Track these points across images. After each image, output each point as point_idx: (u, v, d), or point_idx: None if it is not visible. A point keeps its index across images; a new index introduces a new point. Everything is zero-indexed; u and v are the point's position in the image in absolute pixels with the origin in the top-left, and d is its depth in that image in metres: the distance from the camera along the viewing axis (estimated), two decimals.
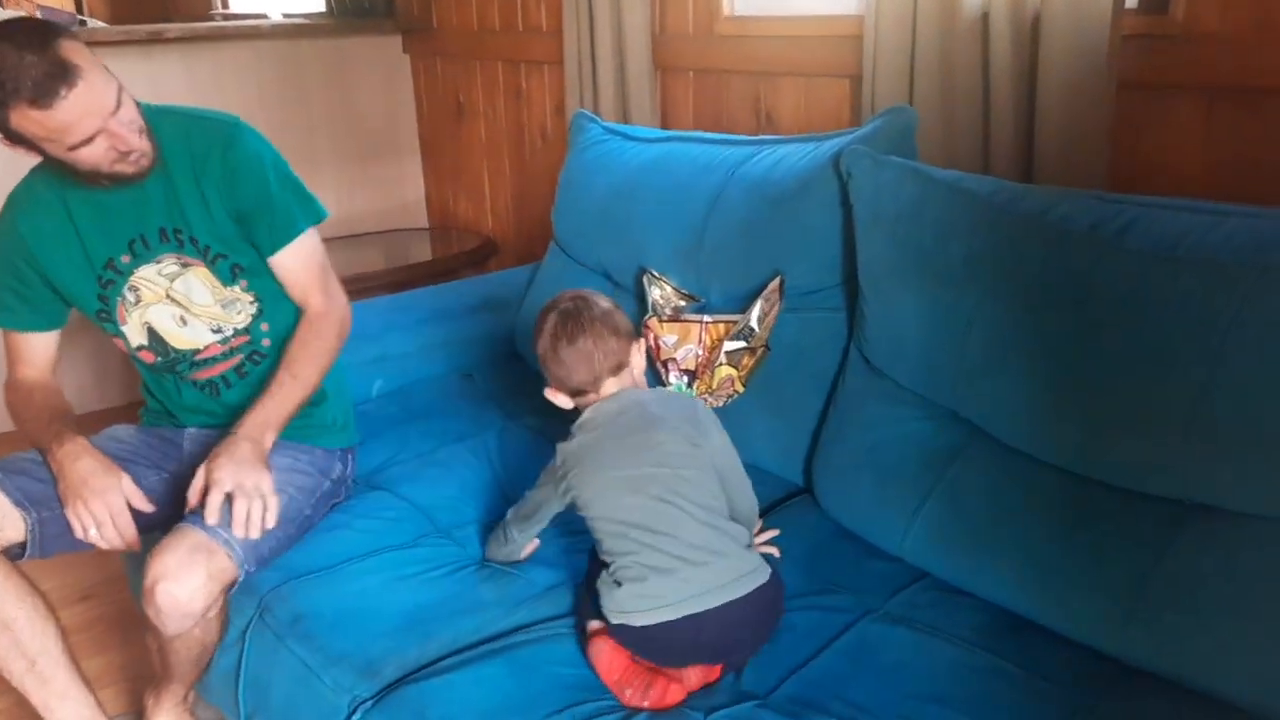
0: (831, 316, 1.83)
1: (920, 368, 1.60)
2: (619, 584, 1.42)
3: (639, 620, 1.40)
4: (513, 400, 2.29)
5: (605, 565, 1.46)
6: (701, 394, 1.88)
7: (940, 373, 1.57)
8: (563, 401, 1.56)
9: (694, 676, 1.42)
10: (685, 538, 1.40)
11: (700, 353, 1.92)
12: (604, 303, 1.55)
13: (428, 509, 1.85)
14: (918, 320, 1.59)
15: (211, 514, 1.52)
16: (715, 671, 1.43)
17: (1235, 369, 1.24)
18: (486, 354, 2.49)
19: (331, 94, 3.61)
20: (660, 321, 1.94)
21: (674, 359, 1.94)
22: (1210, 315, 1.26)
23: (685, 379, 1.92)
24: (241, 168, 1.68)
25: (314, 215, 1.78)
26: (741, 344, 1.86)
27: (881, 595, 1.54)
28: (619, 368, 1.52)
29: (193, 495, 1.57)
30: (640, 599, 1.40)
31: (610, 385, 1.52)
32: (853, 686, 1.37)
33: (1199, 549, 1.29)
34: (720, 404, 1.87)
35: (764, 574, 1.43)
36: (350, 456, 1.93)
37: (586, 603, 1.51)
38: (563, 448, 1.51)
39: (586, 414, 1.52)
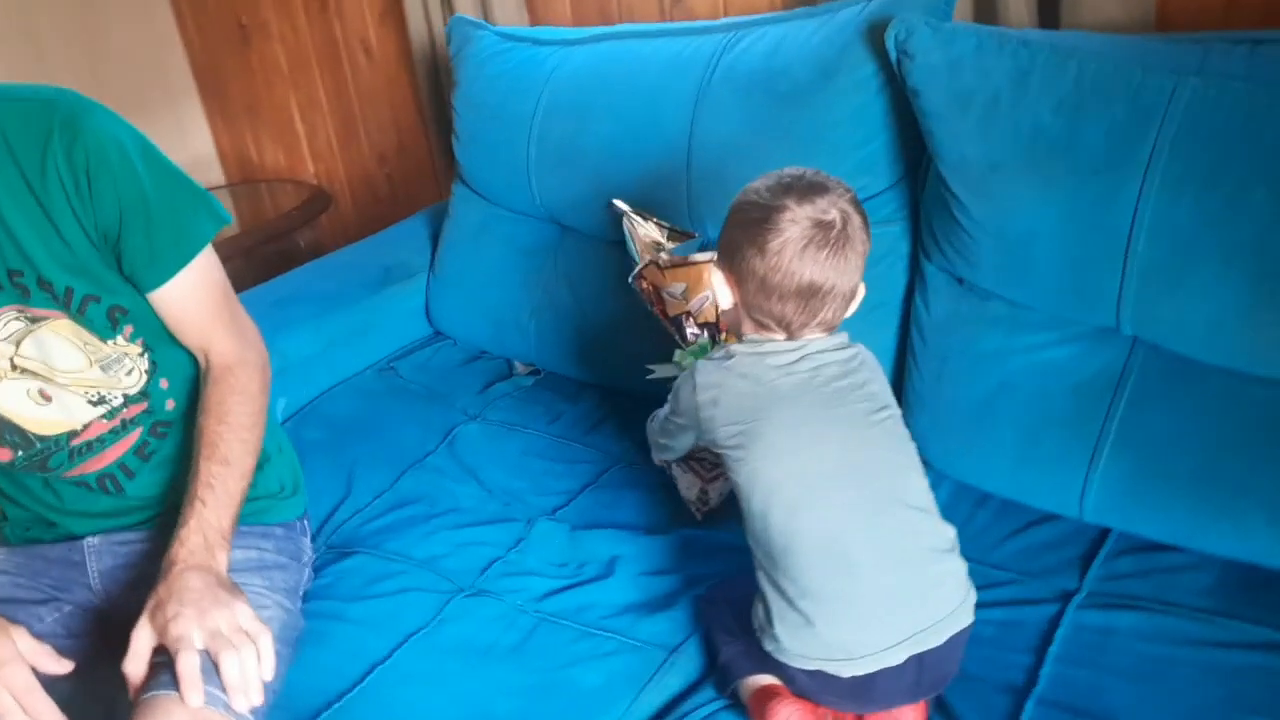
0: (883, 231, 1.48)
1: (1061, 280, 1.29)
2: (810, 622, 1.05)
3: (851, 670, 1.05)
4: (458, 390, 1.84)
5: (769, 590, 1.09)
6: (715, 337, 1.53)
7: (1095, 283, 1.26)
8: (726, 299, 1.16)
9: (908, 717, 1.09)
10: (910, 553, 1.06)
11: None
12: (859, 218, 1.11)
13: (430, 562, 1.41)
14: (1054, 222, 1.26)
15: (192, 689, 1.03)
16: (923, 707, 1.11)
17: None
18: (403, 338, 2.01)
19: (69, 33, 2.84)
20: (661, 269, 1.53)
21: (688, 312, 1.54)
22: None
23: (704, 334, 1.53)
24: (96, 163, 1.13)
25: (211, 220, 1.25)
26: None
27: (1071, 573, 1.25)
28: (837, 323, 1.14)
29: (133, 670, 1.07)
30: (855, 643, 1.05)
31: (812, 332, 1.13)
32: (1112, 703, 1.08)
33: None
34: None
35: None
36: (308, 522, 1.45)
37: (737, 654, 1.15)
38: (722, 376, 1.14)
39: (778, 350, 1.13)
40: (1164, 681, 1.10)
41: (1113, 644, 1.15)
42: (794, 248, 1.06)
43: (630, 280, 1.53)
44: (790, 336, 1.12)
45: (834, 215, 1.07)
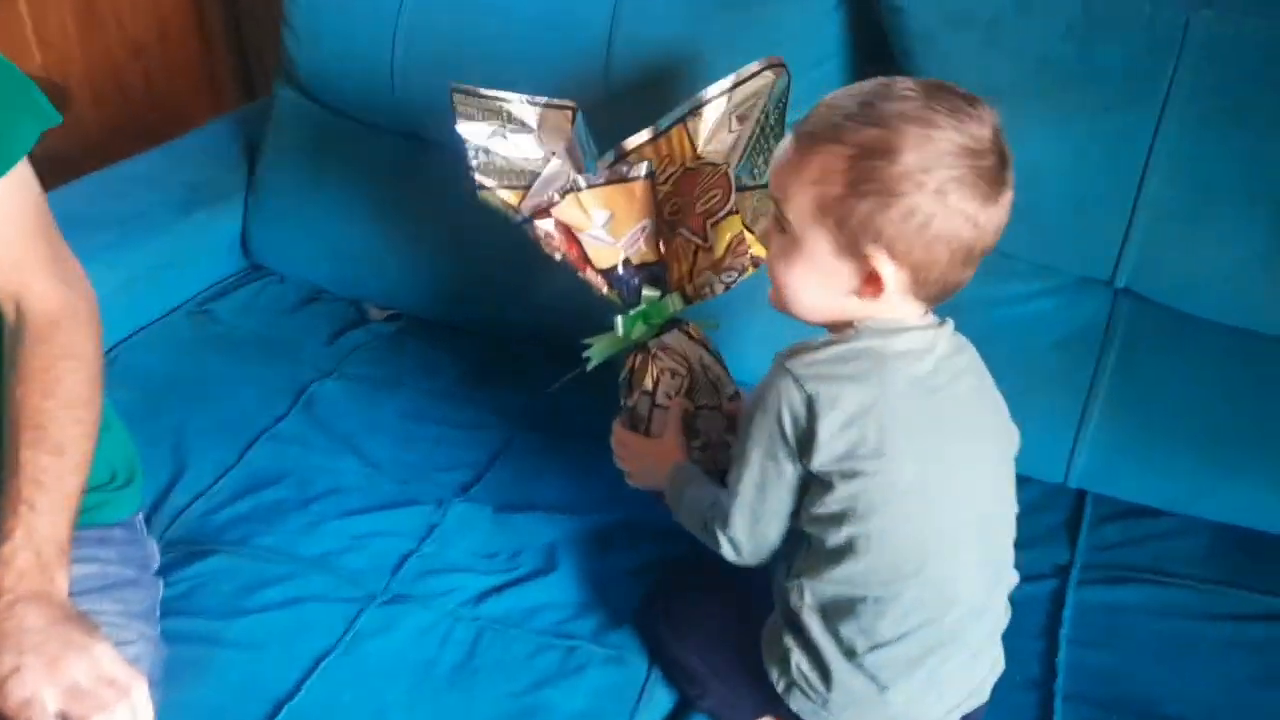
0: None
1: (1062, 224, 1.18)
2: (882, 688, 0.87)
3: None
4: (299, 340, 1.52)
5: (825, 641, 0.88)
6: (693, 296, 1.10)
7: (1099, 228, 1.16)
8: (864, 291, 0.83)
9: None
10: (990, 602, 0.91)
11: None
12: None
13: (322, 561, 1.14)
14: (1060, 159, 1.15)
15: None
16: None
17: None
18: (214, 273, 1.65)
19: None
20: (577, 194, 1.03)
21: (625, 260, 1.07)
22: None
23: (654, 288, 1.08)
24: None
25: (34, 118, 0.91)
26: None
27: (1059, 543, 1.17)
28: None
29: None
30: (921, 714, 0.90)
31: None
32: (1141, 688, 1.01)
33: None
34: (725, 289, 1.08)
35: None
36: (143, 518, 1.13)
37: (723, 705, 0.98)
38: (835, 385, 0.81)
39: (888, 336, 0.84)
40: (1188, 660, 1.04)
41: (1124, 623, 1.08)
42: (1000, 189, 0.79)
43: (518, 221, 1.05)
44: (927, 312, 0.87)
45: (1000, 138, 0.80)
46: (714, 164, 1.04)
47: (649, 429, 1.05)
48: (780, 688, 0.91)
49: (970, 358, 0.89)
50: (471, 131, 1.08)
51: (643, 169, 1.02)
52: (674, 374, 1.04)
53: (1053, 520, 1.20)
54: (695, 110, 1.07)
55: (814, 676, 0.89)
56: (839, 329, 0.86)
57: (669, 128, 1.08)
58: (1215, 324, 1.16)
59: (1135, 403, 1.17)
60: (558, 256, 1.04)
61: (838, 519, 0.83)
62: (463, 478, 1.26)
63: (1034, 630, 1.07)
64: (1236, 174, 1.09)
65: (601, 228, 1.03)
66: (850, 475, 0.82)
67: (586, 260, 1.04)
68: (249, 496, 1.23)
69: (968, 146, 0.77)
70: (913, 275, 0.80)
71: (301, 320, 1.57)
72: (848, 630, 0.87)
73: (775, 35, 1.29)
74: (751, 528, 0.88)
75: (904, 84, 0.80)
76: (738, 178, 1.03)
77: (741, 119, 1.06)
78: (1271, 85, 1.08)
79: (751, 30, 1.30)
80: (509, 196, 1.07)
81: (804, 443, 0.82)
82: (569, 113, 1.11)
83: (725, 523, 0.89)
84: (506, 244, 1.43)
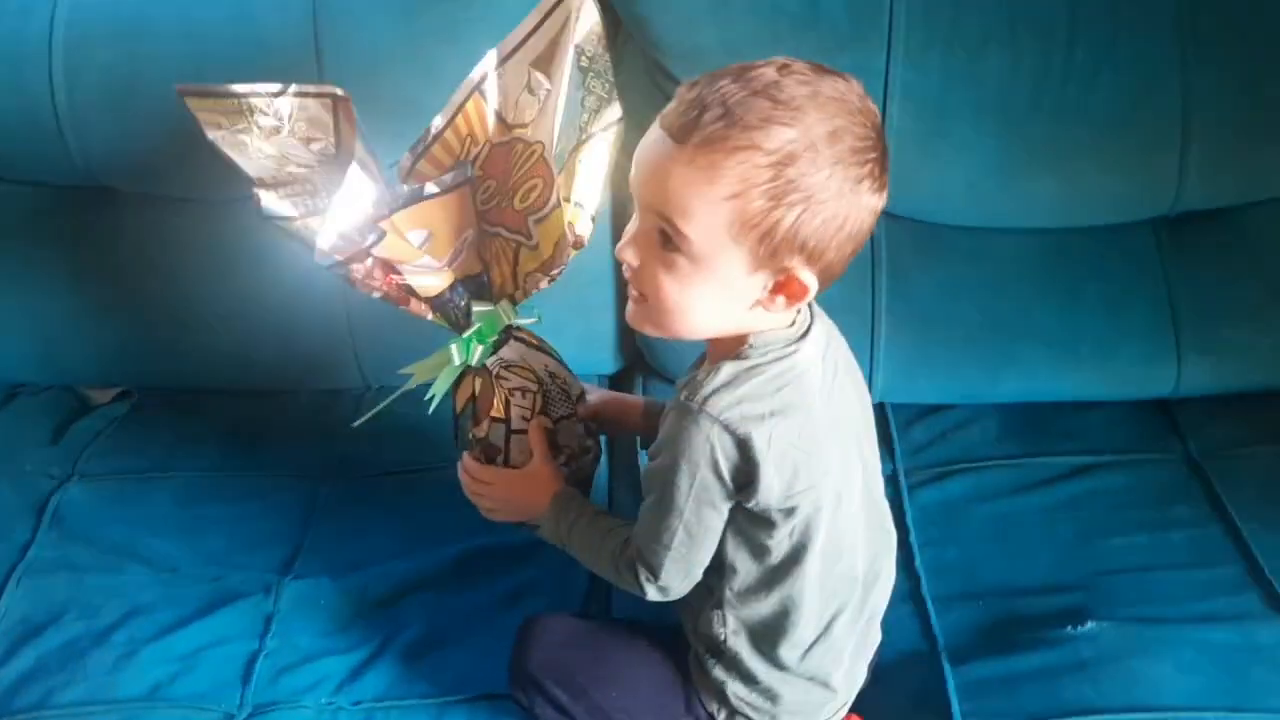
0: None
1: None
2: (825, 682, 0.89)
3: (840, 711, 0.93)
4: (10, 440, 1.32)
5: (767, 671, 0.88)
6: (520, 300, 0.98)
7: None
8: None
9: None
10: (886, 565, 0.93)
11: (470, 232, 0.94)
12: None
13: (155, 695, 1.00)
14: None
15: None
16: None
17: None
18: None
19: None
20: (391, 221, 0.86)
21: (470, 280, 0.97)
22: None
23: (482, 302, 0.96)
24: None
25: None
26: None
27: (880, 456, 1.24)
28: None
29: None
30: (853, 680, 0.93)
31: None
32: (993, 572, 1.11)
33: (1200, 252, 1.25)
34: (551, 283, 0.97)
35: None
36: None
37: None
38: (768, 423, 0.76)
39: (793, 352, 0.80)
40: (1021, 532, 1.15)
41: (959, 515, 1.17)
42: (870, 161, 0.74)
43: (328, 266, 0.89)
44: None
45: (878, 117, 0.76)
46: (525, 141, 0.92)
47: (508, 458, 0.98)
48: (721, 718, 0.90)
49: (838, 339, 0.87)
50: (225, 140, 0.88)
51: (465, 172, 0.88)
52: (524, 392, 0.96)
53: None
54: (487, 74, 0.94)
55: (755, 698, 0.88)
56: (726, 344, 0.80)
57: (464, 102, 0.94)
58: (961, 228, 1.27)
59: (911, 315, 1.26)
60: (376, 296, 0.92)
61: (778, 547, 0.81)
62: (280, 554, 1.14)
63: None
64: (962, 92, 1.18)
65: (422, 250, 0.89)
66: (790, 511, 0.79)
67: (410, 293, 0.93)
68: (26, 648, 1.05)
69: (867, 135, 0.72)
70: (823, 278, 0.76)
71: (7, 424, 1.34)
72: (778, 647, 0.86)
73: (500, 17, 1.23)
74: (686, 573, 0.83)
75: (796, 69, 0.72)
76: (559, 154, 0.92)
77: (546, 72, 0.91)
78: (975, 6, 1.17)
79: (472, 18, 1.23)
80: (303, 224, 0.90)
81: (743, 484, 0.78)
82: (329, 101, 0.90)
83: (654, 573, 0.83)
84: (250, 292, 1.31)
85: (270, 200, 0.88)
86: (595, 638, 0.94)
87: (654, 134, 0.75)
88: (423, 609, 1.06)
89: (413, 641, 1.03)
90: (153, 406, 1.37)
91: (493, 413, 0.96)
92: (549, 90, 0.91)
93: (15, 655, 1.04)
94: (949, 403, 1.29)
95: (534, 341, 1.00)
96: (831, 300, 1.18)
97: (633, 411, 1.04)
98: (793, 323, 0.81)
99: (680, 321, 0.78)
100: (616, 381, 1.38)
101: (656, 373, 1.35)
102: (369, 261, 0.88)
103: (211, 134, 0.87)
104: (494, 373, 0.96)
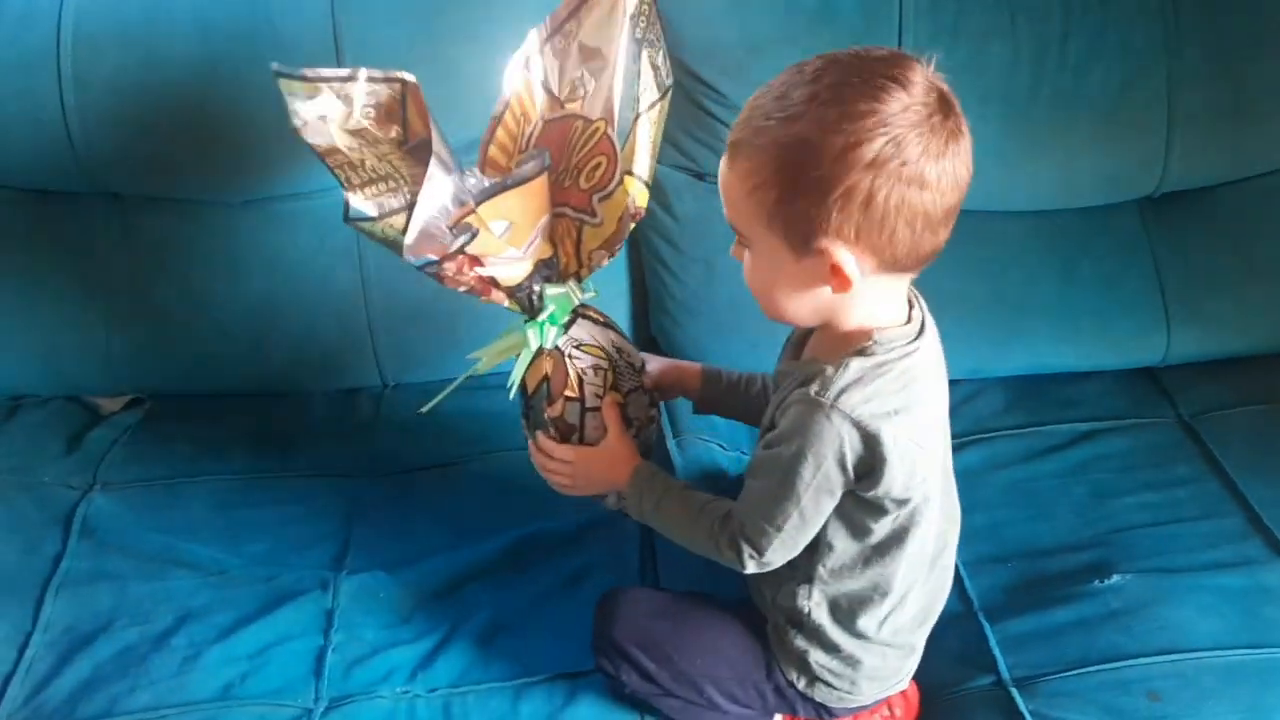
0: None
1: None
2: (907, 648, 0.95)
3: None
4: (28, 461, 1.29)
5: (849, 640, 0.92)
6: (586, 277, 1.00)
7: None
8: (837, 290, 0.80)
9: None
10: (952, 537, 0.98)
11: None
12: None
13: (228, 694, 1.00)
14: None
15: None
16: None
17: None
18: None
19: None
20: (476, 215, 0.87)
21: (541, 264, 0.97)
22: None
23: (553, 285, 0.97)
24: None
25: None
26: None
27: None
28: None
29: None
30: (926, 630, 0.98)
31: None
32: (1017, 532, 1.17)
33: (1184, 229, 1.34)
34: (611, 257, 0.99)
35: None
36: None
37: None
38: (894, 420, 0.80)
39: (915, 350, 0.84)
40: (1037, 498, 1.21)
41: (978, 484, 1.20)
42: (946, 141, 0.76)
43: (420, 265, 0.89)
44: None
45: (938, 86, 0.78)
46: (586, 119, 0.94)
47: (583, 436, 1.00)
48: (802, 685, 0.94)
49: (934, 330, 0.89)
50: (310, 130, 0.85)
51: (543, 160, 0.88)
52: (596, 369, 0.98)
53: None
54: (531, 54, 0.97)
55: (837, 665, 0.92)
56: (842, 336, 0.84)
57: (516, 83, 0.97)
58: (969, 211, 1.31)
59: (923, 293, 1.30)
60: (461, 290, 0.93)
61: (881, 529, 0.86)
62: (331, 550, 1.15)
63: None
64: (968, 80, 1.22)
65: (504, 241, 0.90)
66: (903, 501, 0.84)
67: (493, 284, 0.94)
68: (80, 657, 1.04)
69: (892, 110, 0.73)
70: (877, 256, 0.77)
71: (17, 436, 1.31)
72: (861, 620, 0.90)
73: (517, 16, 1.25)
74: (789, 552, 0.87)
75: (813, 65, 0.77)
76: (621, 129, 0.93)
77: (602, 48, 0.93)
78: (977, 1, 1.24)
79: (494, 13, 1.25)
80: (391, 223, 0.88)
81: (863, 475, 0.81)
82: (398, 86, 0.86)
83: (759, 550, 0.86)
84: (262, 296, 1.30)
85: (358, 201, 0.87)
86: (677, 607, 0.97)
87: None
88: (484, 596, 1.08)
89: (480, 628, 1.05)
90: (168, 413, 1.35)
91: (567, 392, 0.97)
92: (606, 66, 0.93)
93: (69, 664, 1.02)
94: (958, 378, 1.34)
95: (600, 318, 1.01)
96: None
97: (691, 378, 1.07)
98: (909, 319, 0.85)
99: (769, 306, 0.84)
100: None
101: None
102: (459, 258, 0.89)
103: (296, 122, 0.85)
104: (566, 352, 0.97)
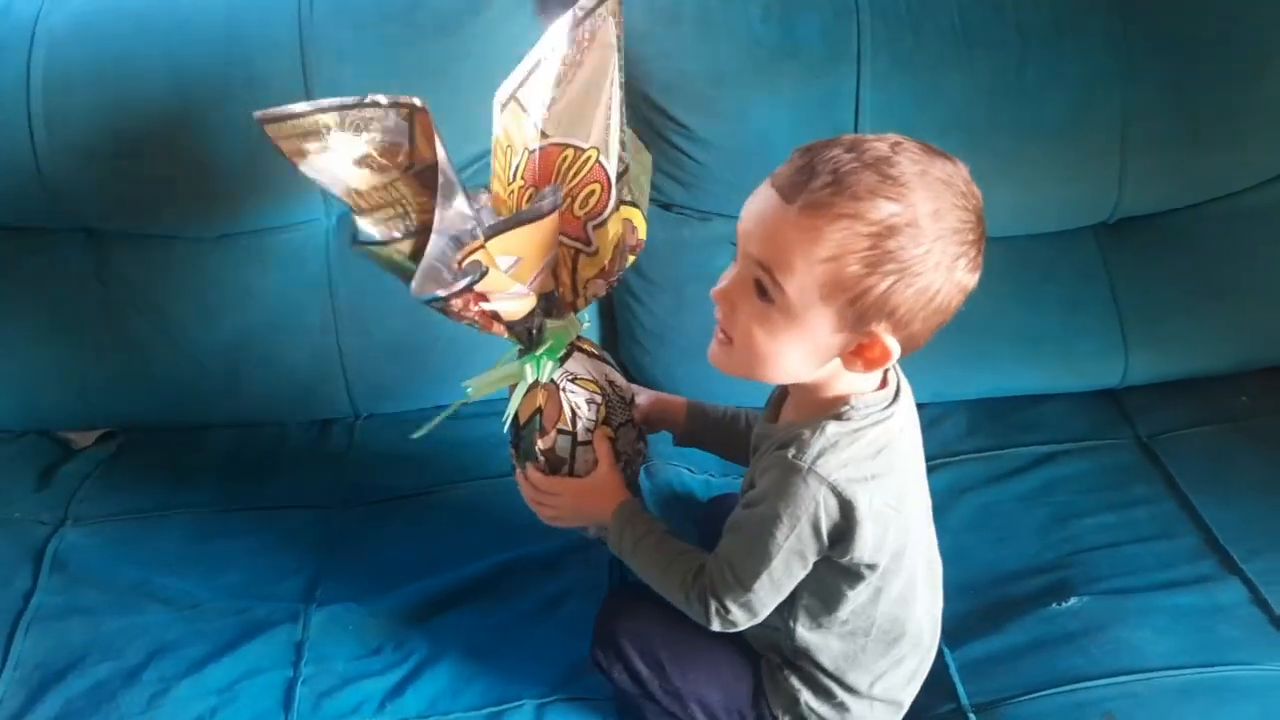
0: None
1: None
2: (897, 703, 0.97)
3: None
4: None
5: (843, 692, 0.93)
6: (583, 308, 1.00)
7: None
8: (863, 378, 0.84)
9: None
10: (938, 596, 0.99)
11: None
12: None
13: None
14: (786, 126, 1.25)
15: None
16: None
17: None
18: None
19: None
20: (485, 251, 0.86)
21: (542, 298, 0.97)
22: None
23: (553, 318, 0.98)
24: None
25: None
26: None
27: None
28: None
29: None
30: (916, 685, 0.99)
31: None
32: (979, 556, 1.18)
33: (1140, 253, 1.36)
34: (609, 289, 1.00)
35: None
36: None
37: None
38: (870, 485, 0.82)
39: (890, 416, 0.85)
40: (1000, 521, 1.22)
41: (942, 508, 1.20)
42: (969, 243, 0.78)
43: (426, 301, 0.86)
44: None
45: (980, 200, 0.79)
46: (577, 147, 0.93)
47: (573, 469, 0.99)
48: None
49: (909, 394, 0.90)
50: (313, 167, 0.83)
51: (556, 196, 0.88)
52: (590, 404, 0.98)
53: None
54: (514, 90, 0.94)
55: (828, 711, 0.93)
56: (816, 399, 0.85)
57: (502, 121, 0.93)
58: None
59: None
60: (465, 323, 0.91)
61: (856, 596, 0.87)
62: (301, 582, 1.16)
63: None
64: (927, 109, 1.27)
65: (510, 276, 0.89)
66: (874, 565, 0.85)
67: (495, 318, 0.92)
68: (50, 694, 1.05)
69: (968, 218, 0.76)
70: (905, 345, 0.80)
71: None
72: (847, 675, 0.92)
73: (484, 57, 1.26)
74: (755, 615, 0.88)
75: (908, 148, 0.77)
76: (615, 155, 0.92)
77: (592, 78, 0.92)
78: (934, 33, 1.26)
79: (458, 59, 1.26)
80: (399, 248, 0.86)
81: (837, 541, 0.82)
82: (406, 112, 0.83)
83: (725, 609, 0.87)
84: (214, 328, 1.31)
85: (366, 225, 0.85)
86: (684, 623, 0.94)
87: (764, 190, 0.79)
88: (456, 625, 1.09)
89: (452, 657, 1.06)
90: (141, 447, 1.36)
91: (560, 425, 0.97)
92: (596, 95, 0.92)
93: (40, 701, 1.03)
94: (923, 401, 1.36)
95: (594, 351, 1.02)
96: None
97: (676, 412, 1.07)
98: (883, 383, 0.86)
99: (763, 368, 0.83)
100: None
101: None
102: (466, 294, 0.88)
103: (300, 163, 0.83)
104: (561, 386, 0.97)
